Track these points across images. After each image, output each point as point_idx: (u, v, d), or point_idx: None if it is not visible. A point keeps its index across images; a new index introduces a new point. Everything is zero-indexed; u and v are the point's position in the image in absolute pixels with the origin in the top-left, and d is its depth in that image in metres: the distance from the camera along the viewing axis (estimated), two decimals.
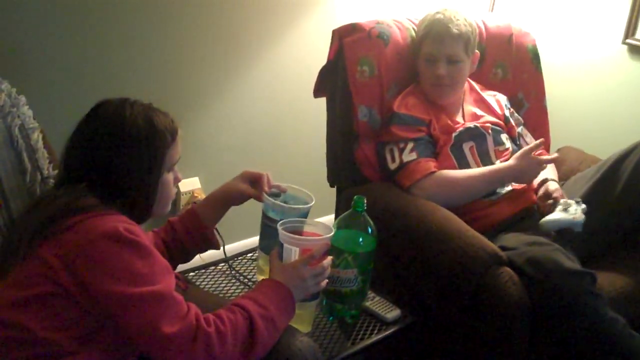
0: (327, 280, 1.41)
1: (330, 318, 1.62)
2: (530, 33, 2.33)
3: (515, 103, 2.28)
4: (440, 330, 1.79)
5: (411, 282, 1.81)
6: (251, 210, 1.68)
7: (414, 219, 1.81)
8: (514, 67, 2.29)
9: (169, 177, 1.33)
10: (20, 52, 1.78)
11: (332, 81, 2.08)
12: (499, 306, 1.62)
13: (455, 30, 1.98)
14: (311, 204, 1.59)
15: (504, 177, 1.95)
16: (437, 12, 2.04)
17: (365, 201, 1.55)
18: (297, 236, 1.41)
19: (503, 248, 1.74)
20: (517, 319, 1.62)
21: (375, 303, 1.70)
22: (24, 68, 1.78)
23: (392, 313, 1.67)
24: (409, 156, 1.95)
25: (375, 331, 1.63)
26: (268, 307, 1.24)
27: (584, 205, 1.84)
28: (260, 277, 1.68)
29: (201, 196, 2.33)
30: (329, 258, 1.41)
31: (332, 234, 1.44)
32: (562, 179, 2.13)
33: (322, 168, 2.16)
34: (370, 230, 1.56)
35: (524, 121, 2.23)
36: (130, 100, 1.30)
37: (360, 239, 1.56)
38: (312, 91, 2.12)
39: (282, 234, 1.40)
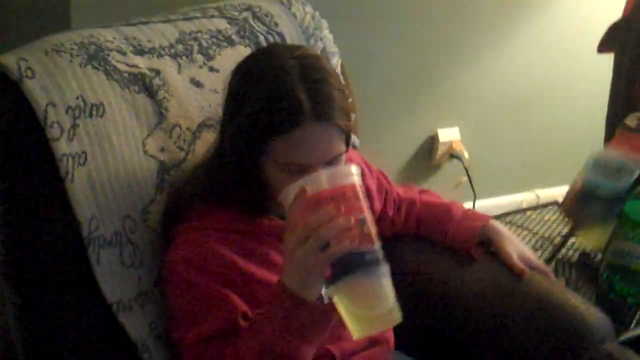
0: (345, 244, 0.85)
1: (611, 295, 1.49)
2: None
3: None
4: None
5: None
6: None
7: None
8: None
9: None
10: None
11: (623, 38, 1.87)
12: None
13: None
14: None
15: None
16: None
17: None
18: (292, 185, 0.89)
19: None
20: None
21: None
22: None
23: None
24: None
25: None
26: (267, 335, 0.93)
27: None
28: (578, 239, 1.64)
29: (460, 148, 2.25)
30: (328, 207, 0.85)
31: (331, 170, 0.92)
32: None
33: (593, 133, 1.96)
34: None
35: None
36: None
37: None
38: (592, 50, 1.94)
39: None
